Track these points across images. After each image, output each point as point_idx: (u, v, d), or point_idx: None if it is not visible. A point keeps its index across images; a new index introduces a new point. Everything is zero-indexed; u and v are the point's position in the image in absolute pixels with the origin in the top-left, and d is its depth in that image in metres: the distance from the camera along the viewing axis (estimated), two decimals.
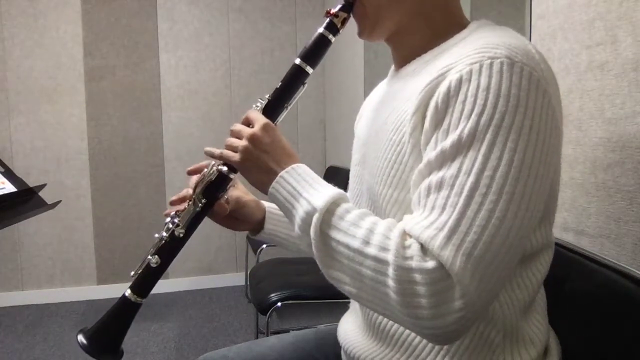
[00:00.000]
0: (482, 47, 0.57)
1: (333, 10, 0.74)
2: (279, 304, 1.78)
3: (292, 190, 0.65)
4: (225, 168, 0.76)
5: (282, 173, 0.66)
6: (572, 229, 1.01)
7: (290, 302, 1.78)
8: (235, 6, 3.18)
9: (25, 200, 1.41)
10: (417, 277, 0.53)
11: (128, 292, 0.77)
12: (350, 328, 0.82)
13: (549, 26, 1.07)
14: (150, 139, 3.12)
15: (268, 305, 1.79)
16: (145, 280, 0.77)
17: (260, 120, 0.71)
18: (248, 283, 2.50)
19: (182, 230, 0.76)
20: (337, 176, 2.69)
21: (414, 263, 0.53)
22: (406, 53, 0.74)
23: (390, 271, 0.54)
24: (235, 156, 0.70)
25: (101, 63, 3.01)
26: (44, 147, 2.97)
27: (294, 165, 0.67)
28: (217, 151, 0.75)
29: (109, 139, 3.06)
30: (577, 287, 0.81)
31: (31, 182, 1.45)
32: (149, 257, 0.76)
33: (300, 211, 0.63)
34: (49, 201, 1.45)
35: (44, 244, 3.02)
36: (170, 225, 0.77)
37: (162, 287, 3.18)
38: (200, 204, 0.77)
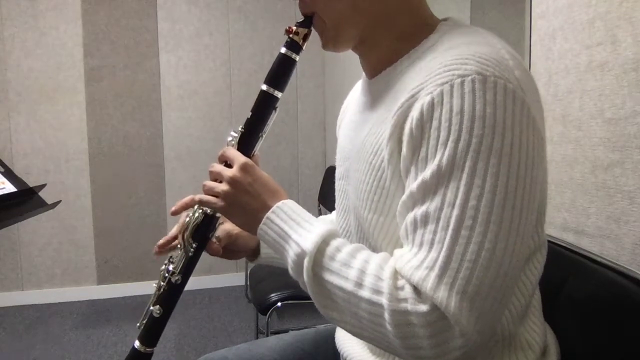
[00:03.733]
0: (451, 63, 0.54)
1: (292, 28, 0.71)
2: (279, 304, 1.78)
3: (280, 231, 0.63)
4: (209, 210, 0.74)
5: (269, 214, 0.65)
6: (572, 229, 1.01)
7: (290, 302, 1.78)
8: (235, 6, 3.17)
9: (25, 200, 1.41)
10: (413, 319, 0.52)
11: (137, 344, 0.77)
12: (348, 336, 0.82)
13: (549, 26, 1.07)
14: (150, 139, 3.12)
15: (268, 305, 1.79)
16: (151, 330, 0.77)
17: (238, 159, 0.68)
18: (248, 283, 2.50)
19: (179, 277, 0.76)
20: None
21: (409, 306, 0.52)
22: (375, 61, 0.71)
23: (386, 316, 0.53)
24: (218, 202, 0.68)
25: (101, 63, 3.01)
26: (44, 147, 2.97)
27: (279, 204, 0.65)
28: (197, 197, 0.72)
29: (109, 139, 3.06)
30: (577, 287, 0.81)
31: (31, 182, 1.45)
32: (151, 307, 0.77)
33: (291, 254, 0.62)
34: (49, 201, 1.45)
35: (44, 244, 3.02)
36: (166, 274, 0.77)
37: None
38: (191, 249, 0.75)
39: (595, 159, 0.94)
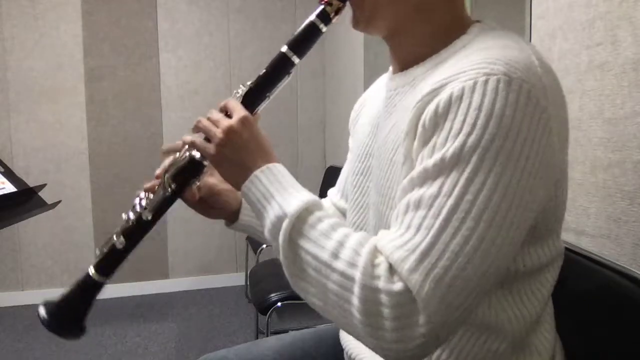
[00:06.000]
0: (479, 63, 0.54)
1: None
2: (279, 304, 1.78)
3: (265, 191, 0.62)
4: (198, 154, 0.70)
5: (257, 172, 0.64)
6: (572, 229, 1.01)
7: (290, 302, 1.78)
8: (235, 6, 3.17)
9: (25, 200, 1.41)
10: (383, 298, 0.51)
11: (92, 271, 0.74)
12: None
13: (549, 26, 1.07)
14: (150, 139, 3.12)
15: (268, 305, 1.79)
16: (109, 261, 0.75)
17: (238, 111, 0.67)
18: (248, 283, 2.50)
19: (149, 215, 0.73)
20: (337, 176, 2.68)
21: (380, 283, 0.51)
22: (405, 56, 0.70)
23: (356, 289, 0.52)
24: (209, 148, 0.66)
25: (101, 63, 3.01)
26: (44, 147, 2.97)
27: (269, 165, 0.64)
28: (189, 138, 0.69)
29: (109, 139, 3.06)
30: (577, 288, 0.81)
31: (31, 182, 1.45)
32: (114, 237, 0.74)
33: (271, 214, 0.60)
34: (49, 201, 1.45)
35: (44, 244, 3.02)
36: (138, 208, 0.74)
37: (162, 287, 3.18)
38: (169, 189, 0.73)
39: (595, 159, 0.94)
